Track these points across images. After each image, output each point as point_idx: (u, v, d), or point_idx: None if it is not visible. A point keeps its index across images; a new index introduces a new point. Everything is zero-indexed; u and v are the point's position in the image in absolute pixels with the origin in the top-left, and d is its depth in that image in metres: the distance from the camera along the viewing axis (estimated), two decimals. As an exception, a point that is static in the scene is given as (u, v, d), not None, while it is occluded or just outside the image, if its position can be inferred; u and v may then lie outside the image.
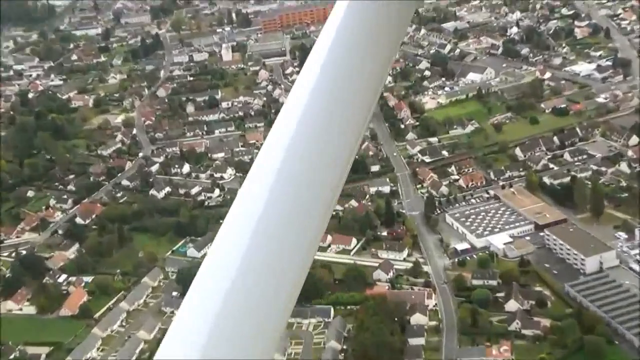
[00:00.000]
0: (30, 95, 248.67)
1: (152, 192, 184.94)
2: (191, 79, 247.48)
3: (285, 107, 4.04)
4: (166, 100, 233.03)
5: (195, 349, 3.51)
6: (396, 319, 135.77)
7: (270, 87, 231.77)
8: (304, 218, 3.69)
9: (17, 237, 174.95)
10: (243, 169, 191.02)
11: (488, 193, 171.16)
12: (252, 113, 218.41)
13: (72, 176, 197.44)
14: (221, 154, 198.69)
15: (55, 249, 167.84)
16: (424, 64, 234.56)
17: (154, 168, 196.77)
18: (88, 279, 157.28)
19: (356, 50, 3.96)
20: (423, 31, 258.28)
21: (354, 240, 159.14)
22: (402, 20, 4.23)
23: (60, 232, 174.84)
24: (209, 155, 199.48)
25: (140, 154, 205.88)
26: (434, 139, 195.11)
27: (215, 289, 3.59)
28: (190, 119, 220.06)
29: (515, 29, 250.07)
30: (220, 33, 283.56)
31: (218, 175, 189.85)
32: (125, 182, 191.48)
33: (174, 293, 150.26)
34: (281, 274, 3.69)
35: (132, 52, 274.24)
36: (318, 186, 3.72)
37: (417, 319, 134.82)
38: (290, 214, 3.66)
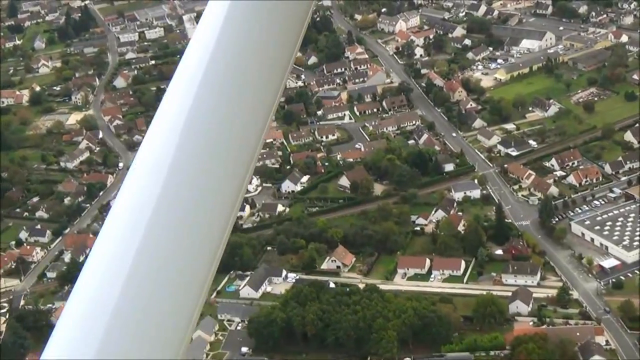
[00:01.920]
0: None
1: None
2: (154, 62, 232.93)
3: (167, 102, 4.17)
4: (131, 92, 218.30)
5: (89, 347, 3.73)
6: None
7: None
8: (202, 213, 4.03)
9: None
10: (270, 176, 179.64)
11: (612, 191, 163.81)
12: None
13: (36, 198, 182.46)
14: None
15: (52, 298, 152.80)
16: (460, 31, 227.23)
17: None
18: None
19: (248, 41, 4.26)
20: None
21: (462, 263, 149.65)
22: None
23: (49, 275, 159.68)
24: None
25: (121, 165, 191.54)
26: (510, 126, 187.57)
27: (109, 282, 3.81)
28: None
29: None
30: (168, 2, 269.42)
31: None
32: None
33: (244, 349, 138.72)
34: (180, 269, 3.95)
35: (59, 32, 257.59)
36: (213, 180, 4.10)
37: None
38: (186, 204, 3.99)
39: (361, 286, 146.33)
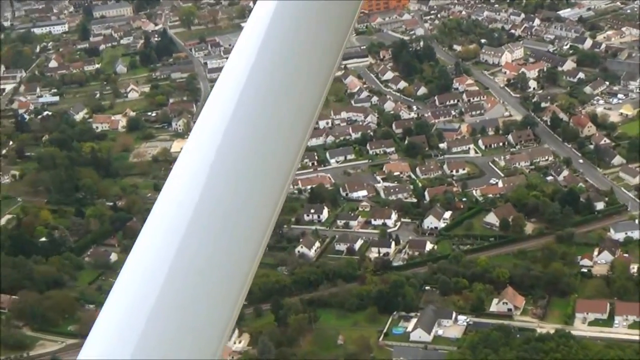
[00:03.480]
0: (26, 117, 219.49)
1: (300, 249, 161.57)
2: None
3: (212, 101, 4.18)
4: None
5: (125, 347, 3.72)
6: None
7: (375, 99, 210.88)
8: (244, 212, 4.03)
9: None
10: (408, 211, 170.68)
11: None
12: (372, 134, 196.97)
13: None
14: (362, 192, 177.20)
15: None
16: (570, 64, 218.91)
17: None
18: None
19: (294, 44, 4.25)
20: (537, 21, 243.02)
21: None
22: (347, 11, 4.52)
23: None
24: (346, 193, 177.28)
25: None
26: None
27: (148, 282, 3.82)
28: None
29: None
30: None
31: (378, 221, 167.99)
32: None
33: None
34: (219, 270, 3.96)
35: (141, 56, 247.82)
36: (258, 180, 4.10)
37: None
38: (228, 206, 4.00)
39: (540, 330, 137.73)
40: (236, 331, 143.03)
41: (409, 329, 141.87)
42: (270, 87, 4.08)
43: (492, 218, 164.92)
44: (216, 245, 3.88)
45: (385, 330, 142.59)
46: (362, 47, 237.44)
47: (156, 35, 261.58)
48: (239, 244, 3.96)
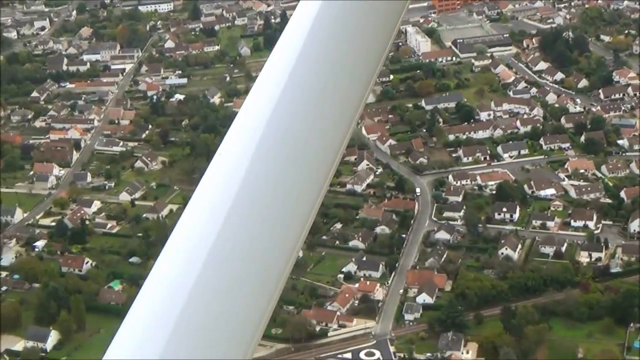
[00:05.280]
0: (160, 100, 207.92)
1: (504, 251, 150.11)
2: (392, 77, 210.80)
3: (252, 99, 4.16)
4: (389, 109, 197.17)
5: (154, 347, 3.67)
6: None
7: (533, 90, 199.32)
8: (280, 211, 4.00)
9: (342, 326, 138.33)
10: (607, 213, 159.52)
11: None
12: (541, 128, 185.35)
13: (338, 225, 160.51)
14: (550, 191, 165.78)
15: (427, 346, 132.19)
16: None
17: (459, 214, 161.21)
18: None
19: (338, 43, 4.23)
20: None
21: None
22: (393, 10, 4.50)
23: (407, 317, 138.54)
24: (532, 191, 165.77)
25: (418, 190, 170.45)
26: None
27: (178, 281, 3.79)
28: (451, 136, 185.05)
29: None
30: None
31: (578, 223, 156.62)
32: (440, 236, 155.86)
33: None
34: (253, 269, 3.92)
35: (265, 38, 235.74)
36: (297, 178, 4.08)
37: None
38: (265, 202, 3.98)
39: None
40: (462, 340, 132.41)
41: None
42: (312, 86, 4.01)
43: None
44: (251, 244, 3.79)
45: (627, 344, 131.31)
46: (504, 35, 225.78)
47: (272, 17, 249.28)
48: (275, 242, 3.84)
